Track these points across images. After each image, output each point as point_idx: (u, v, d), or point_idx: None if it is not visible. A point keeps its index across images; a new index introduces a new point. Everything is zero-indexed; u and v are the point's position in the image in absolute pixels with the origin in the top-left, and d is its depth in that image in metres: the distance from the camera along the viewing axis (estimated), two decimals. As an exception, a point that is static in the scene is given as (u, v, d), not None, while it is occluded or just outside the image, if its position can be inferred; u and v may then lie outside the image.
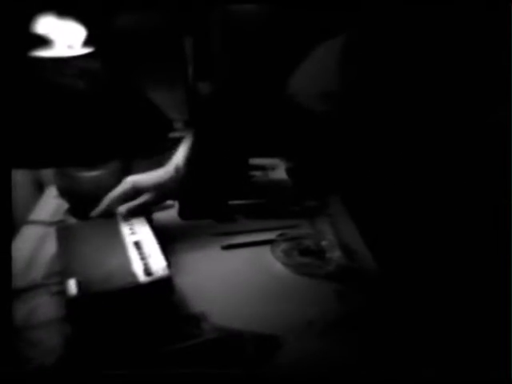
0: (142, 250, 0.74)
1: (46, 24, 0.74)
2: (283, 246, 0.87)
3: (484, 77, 0.87)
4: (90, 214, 0.87)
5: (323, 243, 0.87)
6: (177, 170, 0.88)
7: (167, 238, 0.87)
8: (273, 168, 1.19)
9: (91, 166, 0.92)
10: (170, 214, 1.00)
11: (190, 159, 0.88)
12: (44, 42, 0.75)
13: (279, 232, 0.91)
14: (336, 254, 0.84)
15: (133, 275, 0.69)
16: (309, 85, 1.10)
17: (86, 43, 0.78)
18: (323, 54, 0.98)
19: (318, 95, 1.09)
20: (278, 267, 0.84)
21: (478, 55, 0.84)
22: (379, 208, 0.98)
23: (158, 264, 0.71)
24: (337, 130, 1.08)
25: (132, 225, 0.82)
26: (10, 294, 0.71)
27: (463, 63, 0.86)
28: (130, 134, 0.86)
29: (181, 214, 1.01)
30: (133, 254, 0.74)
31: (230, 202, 1.03)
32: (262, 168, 1.19)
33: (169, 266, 0.72)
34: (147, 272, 0.69)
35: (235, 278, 0.83)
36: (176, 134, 1.02)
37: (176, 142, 0.91)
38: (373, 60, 0.89)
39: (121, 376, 0.64)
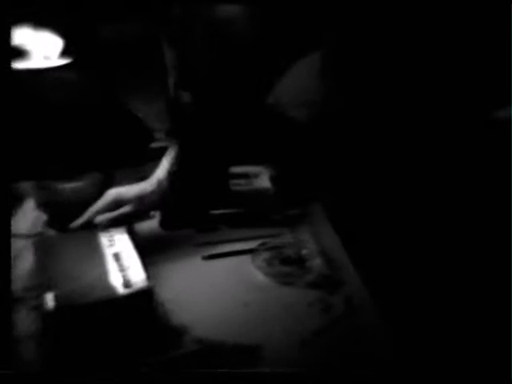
0: (121, 262, 0.74)
1: (22, 35, 0.73)
2: (264, 255, 0.87)
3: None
4: (69, 225, 0.86)
5: (304, 252, 0.87)
6: (159, 183, 0.89)
7: (148, 249, 0.86)
8: (256, 176, 1.18)
9: (71, 177, 0.91)
10: (151, 224, 1.00)
11: (172, 172, 0.89)
12: (20, 53, 0.75)
13: (260, 241, 0.91)
14: (316, 263, 0.84)
15: (111, 288, 0.68)
16: (291, 94, 1.11)
17: (64, 54, 0.77)
18: (304, 67, 0.99)
19: (299, 104, 1.10)
20: (260, 277, 0.84)
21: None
22: (360, 216, 0.98)
23: (137, 276, 0.71)
24: (318, 138, 1.09)
25: (111, 236, 0.81)
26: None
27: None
28: (109, 145, 0.86)
29: (162, 224, 1.00)
30: (112, 265, 0.73)
31: (212, 212, 1.03)
32: (246, 176, 1.19)
33: (148, 277, 0.71)
34: (126, 284, 0.69)
35: (216, 289, 0.83)
36: (158, 145, 1.02)
37: (158, 153, 0.91)
38: (350, 72, 0.90)
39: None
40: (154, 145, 1.00)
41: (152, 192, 0.87)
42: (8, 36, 0.72)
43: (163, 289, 0.80)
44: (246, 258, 0.89)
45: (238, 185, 1.12)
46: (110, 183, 0.91)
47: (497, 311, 0.78)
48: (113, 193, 0.87)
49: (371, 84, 0.92)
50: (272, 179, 1.15)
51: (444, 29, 0.86)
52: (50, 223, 0.96)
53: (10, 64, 0.72)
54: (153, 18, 1.03)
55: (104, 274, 0.71)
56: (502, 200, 0.93)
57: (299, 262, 0.85)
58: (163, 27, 1.04)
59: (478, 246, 0.95)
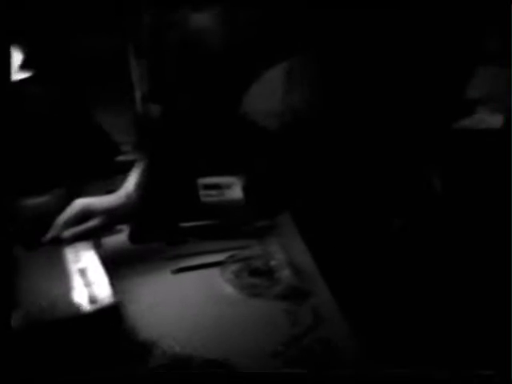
0: (86, 278, 0.73)
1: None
2: (233, 267, 0.87)
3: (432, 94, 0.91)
4: (36, 241, 0.85)
5: (272, 263, 0.88)
6: (128, 195, 0.88)
7: (117, 264, 0.86)
8: (229, 186, 1.18)
9: (36, 192, 0.90)
10: (119, 238, 0.99)
11: (141, 185, 0.88)
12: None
13: (229, 253, 0.91)
14: (285, 274, 0.85)
15: (76, 304, 0.67)
16: (261, 104, 1.12)
17: (26, 67, 0.76)
18: (271, 77, 1.01)
19: (269, 114, 1.11)
20: (228, 289, 0.84)
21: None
22: (330, 226, 1.00)
23: (103, 291, 0.70)
24: (288, 148, 1.10)
25: (77, 251, 0.80)
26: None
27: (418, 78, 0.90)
28: (75, 159, 0.85)
29: (131, 237, 0.99)
30: (77, 281, 0.72)
31: (182, 225, 1.02)
32: (218, 187, 1.18)
33: (115, 292, 0.70)
34: (92, 300, 0.68)
35: (186, 303, 0.82)
36: (126, 158, 1.01)
37: (126, 166, 0.90)
38: (315, 83, 0.92)
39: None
40: (123, 158, 0.99)
41: (120, 205, 0.86)
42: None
43: (132, 304, 0.79)
44: (215, 271, 0.88)
45: (209, 196, 1.12)
46: (77, 197, 0.89)
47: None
48: (80, 203, 0.86)
49: (336, 94, 0.94)
50: (244, 190, 1.16)
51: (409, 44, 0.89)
52: (15, 240, 0.94)
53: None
54: (120, 29, 1.03)
55: (69, 290, 0.70)
56: (467, 209, 0.96)
57: (268, 273, 0.86)
58: (131, 39, 1.04)
59: (446, 249, 0.98)
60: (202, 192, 1.09)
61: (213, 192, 1.14)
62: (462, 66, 1.04)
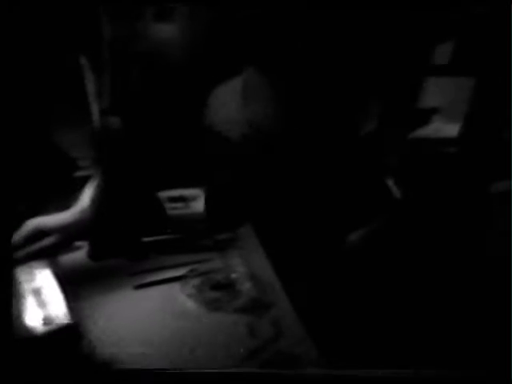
0: (41, 298, 0.71)
1: None
2: (194, 281, 0.87)
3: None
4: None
5: (233, 276, 0.87)
6: (83, 211, 0.86)
7: (75, 281, 0.84)
8: (194, 198, 1.18)
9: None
10: (78, 255, 0.97)
11: (96, 200, 0.87)
12: None
13: (190, 267, 0.90)
14: (246, 287, 0.85)
15: (29, 326, 0.65)
16: (223, 115, 1.13)
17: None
18: (227, 90, 1.02)
19: (231, 125, 1.12)
20: (190, 304, 0.83)
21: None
22: (291, 238, 1.00)
23: (59, 311, 0.68)
24: (249, 159, 1.11)
25: (31, 270, 0.78)
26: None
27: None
28: (29, 176, 0.83)
29: (90, 254, 0.97)
30: (30, 302, 0.70)
31: (143, 239, 1.01)
32: (183, 199, 1.18)
33: (72, 311, 0.69)
34: (46, 321, 0.66)
35: (148, 318, 0.81)
36: (83, 173, 0.99)
37: (83, 181, 0.89)
38: (269, 96, 0.93)
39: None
40: (79, 173, 0.97)
41: (75, 221, 0.85)
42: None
43: (91, 322, 0.77)
44: (177, 285, 0.88)
45: (174, 208, 1.11)
46: (32, 216, 0.87)
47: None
48: (32, 223, 0.84)
49: (290, 107, 0.96)
50: (205, 202, 1.15)
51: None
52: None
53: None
54: (77, 43, 1.02)
55: (22, 311, 0.68)
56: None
57: (229, 286, 0.86)
58: (87, 52, 1.03)
59: (407, 257, 1.00)
60: (167, 205, 1.08)
61: (178, 204, 1.14)
62: (411, 77, 1.08)
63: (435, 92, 1.50)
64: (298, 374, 0.68)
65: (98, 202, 0.85)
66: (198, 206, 1.14)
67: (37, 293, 0.72)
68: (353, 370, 0.67)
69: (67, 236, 0.85)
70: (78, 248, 0.97)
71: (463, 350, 0.82)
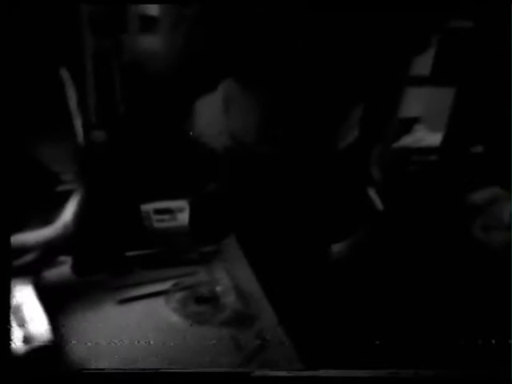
0: (21, 315, 0.70)
1: None
2: (178, 295, 0.86)
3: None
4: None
5: (218, 289, 0.87)
6: (65, 226, 0.86)
7: (59, 298, 0.83)
8: (180, 210, 1.17)
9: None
10: (62, 270, 0.96)
11: (79, 214, 0.86)
12: None
13: (174, 281, 0.90)
14: (230, 300, 0.84)
15: (8, 344, 0.64)
16: (208, 127, 1.13)
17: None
18: (208, 102, 1.02)
19: (215, 137, 1.12)
20: (174, 318, 0.83)
21: None
22: (275, 250, 1.00)
23: (40, 329, 0.67)
24: (233, 170, 1.11)
25: (12, 287, 0.77)
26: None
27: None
28: (10, 191, 0.82)
29: (74, 269, 0.96)
30: (10, 320, 0.69)
31: (127, 254, 1.00)
32: (170, 211, 1.17)
33: (54, 329, 0.68)
34: (26, 340, 0.65)
35: (132, 333, 0.80)
36: (65, 187, 0.98)
37: (65, 196, 0.88)
38: (248, 109, 0.94)
39: None
40: (61, 188, 0.96)
41: (57, 236, 0.84)
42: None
43: (77, 338, 0.76)
44: (161, 300, 0.87)
45: (162, 221, 1.10)
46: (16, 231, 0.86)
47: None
48: (15, 239, 0.83)
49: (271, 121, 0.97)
50: (189, 214, 1.15)
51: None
52: None
53: None
54: (58, 57, 1.01)
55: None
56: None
57: (213, 299, 0.85)
58: (69, 66, 1.03)
59: (391, 269, 1.00)
60: (154, 217, 1.08)
61: (165, 216, 1.13)
62: (392, 87, 1.09)
63: (416, 102, 1.52)
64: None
65: (80, 216, 0.85)
66: (185, 217, 1.13)
67: (17, 310, 0.71)
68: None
69: (49, 252, 0.85)
70: (62, 263, 0.96)
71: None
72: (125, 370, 0.68)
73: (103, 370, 0.71)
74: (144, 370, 0.70)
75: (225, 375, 0.67)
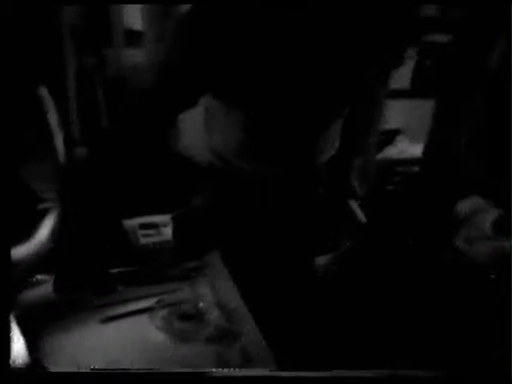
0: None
1: None
2: (162, 312, 0.85)
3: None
4: None
5: (201, 305, 0.86)
6: (41, 244, 0.85)
7: (39, 318, 0.81)
8: (165, 225, 1.16)
9: None
10: (42, 290, 0.94)
11: (56, 231, 0.85)
12: None
13: (157, 298, 0.89)
14: (214, 316, 0.84)
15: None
16: (193, 141, 1.13)
17: None
18: (191, 118, 1.02)
19: (198, 152, 1.12)
20: (159, 336, 0.82)
21: None
22: (258, 265, 1.00)
23: (18, 352, 0.66)
24: (216, 185, 1.11)
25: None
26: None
27: None
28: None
29: (55, 288, 0.95)
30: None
31: (110, 271, 0.99)
32: (155, 226, 1.16)
33: (33, 352, 0.67)
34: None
35: (116, 353, 0.79)
36: (45, 205, 0.97)
37: (45, 214, 0.87)
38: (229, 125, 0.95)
39: None
40: (41, 206, 0.95)
41: (33, 255, 0.83)
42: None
43: (58, 359, 0.75)
44: (145, 317, 0.86)
45: (147, 235, 1.09)
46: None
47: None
48: None
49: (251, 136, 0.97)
50: (172, 229, 1.14)
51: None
52: None
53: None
54: (38, 75, 1.01)
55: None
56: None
57: (197, 316, 0.84)
58: (50, 83, 1.02)
59: (376, 285, 1.00)
60: (139, 232, 1.07)
61: (151, 231, 1.12)
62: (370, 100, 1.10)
63: (397, 114, 1.55)
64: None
65: (58, 233, 0.84)
66: (169, 232, 1.13)
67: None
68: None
69: (24, 271, 0.83)
70: (42, 282, 0.95)
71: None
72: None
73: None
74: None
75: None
